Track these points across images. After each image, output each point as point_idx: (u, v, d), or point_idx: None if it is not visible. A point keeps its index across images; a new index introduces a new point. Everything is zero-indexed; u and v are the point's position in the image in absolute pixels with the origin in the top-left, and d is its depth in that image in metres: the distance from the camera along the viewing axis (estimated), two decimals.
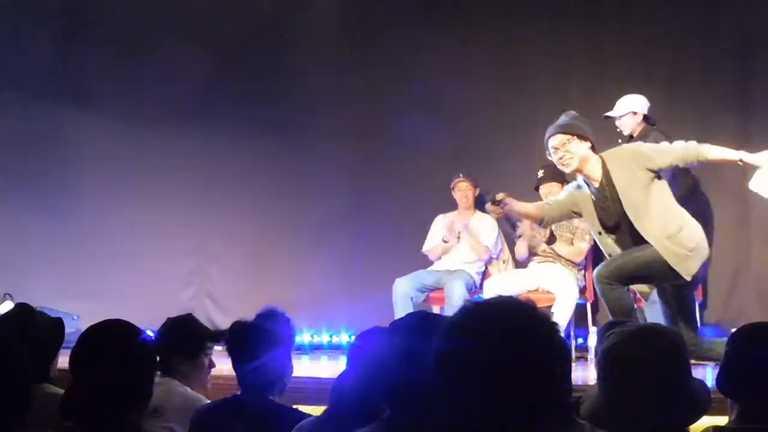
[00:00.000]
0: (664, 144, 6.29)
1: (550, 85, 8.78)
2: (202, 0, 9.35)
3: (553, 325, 2.01)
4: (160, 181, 9.19)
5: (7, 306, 7.25)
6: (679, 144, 6.13)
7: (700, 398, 2.74)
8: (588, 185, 6.31)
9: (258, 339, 3.69)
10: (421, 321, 2.62)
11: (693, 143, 6.07)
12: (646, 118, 7.84)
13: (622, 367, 2.64)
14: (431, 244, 8.60)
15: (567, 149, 6.20)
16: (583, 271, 8.27)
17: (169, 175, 9.19)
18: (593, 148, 6.24)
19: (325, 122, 9.11)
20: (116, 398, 2.75)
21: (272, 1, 9.29)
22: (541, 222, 6.62)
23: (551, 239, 8.22)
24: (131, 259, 9.08)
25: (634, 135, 7.79)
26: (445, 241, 8.44)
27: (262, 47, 9.25)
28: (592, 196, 6.28)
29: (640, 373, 2.62)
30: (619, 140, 7.89)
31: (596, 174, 6.23)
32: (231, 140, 9.13)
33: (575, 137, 6.22)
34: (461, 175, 8.49)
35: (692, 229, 6.18)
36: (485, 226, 8.52)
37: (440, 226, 8.64)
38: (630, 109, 7.79)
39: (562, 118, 6.34)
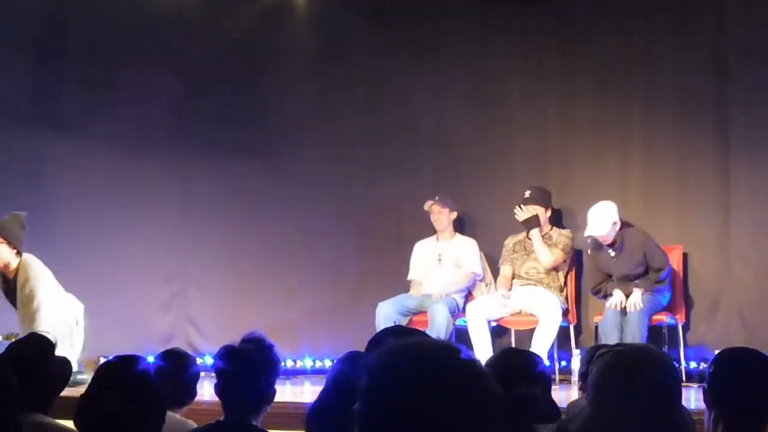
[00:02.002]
0: None
1: (526, 105, 8.78)
2: (176, 22, 9.30)
3: (480, 372, 1.86)
4: (137, 205, 9.12)
5: None
6: None
7: (690, 421, 2.75)
8: None
9: (243, 364, 3.69)
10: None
11: None
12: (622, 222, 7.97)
13: (618, 386, 2.66)
14: (416, 272, 8.58)
15: None
16: (565, 293, 8.26)
17: (146, 198, 9.14)
18: None
19: (304, 144, 9.09)
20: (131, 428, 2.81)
21: (247, 23, 9.25)
22: None
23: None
24: (109, 284, 8.98)
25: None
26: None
27: (237, 69, 9.23)
28: None
29: (637, 392, 2.64)
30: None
31: None
32: (208, 163, 9.11)
33: None
34: (435, 199, 8.47)
35: None
36: (466, 250, 8.50)
37: (420, 252, 8.61)
38: (612, 221, 7.86)
39: None
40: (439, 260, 8.47)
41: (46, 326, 7.14)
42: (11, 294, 7.56)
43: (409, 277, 8.57)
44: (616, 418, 2.63)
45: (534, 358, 3.63)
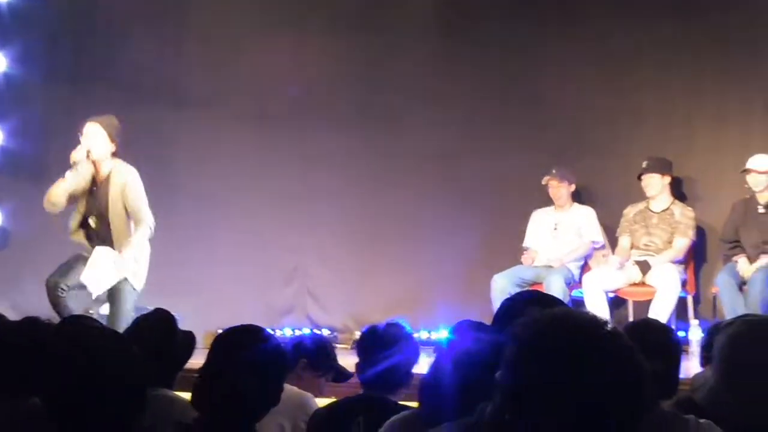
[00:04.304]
0: None
1: (651, 76, 8.71)
2: None
3: (625, 345, 1.88)
4: (259, 178, 9.22)
5: None
6: None
7: None
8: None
9: (383, 346, 3.84)
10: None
11: None
12: None
13: (749, 354, 2.68)
14: (531, 240, 8.58)
15: None
16: (684, 264, 8.16)
17: (268, 171, 9.23)
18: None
19: (425, 117, 9.04)
20: (249, 402, 2.95)
21: None
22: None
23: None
24: (232, 256, 9.13)
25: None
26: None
27: (360, 39, 9.19)
28: None
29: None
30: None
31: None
32: (329, 136, 9.13)
33: None
34: (552, 173, 8.43)
35: None
36: (584, 219, 8.46)
37: (537, 221, 8.60)
38: None
39: None
40: (555, 229, 8.46)
41: (149, 220, 7.15)
42: (94, 199, 7.12)
43: (524, 245, 8.57)
44: (747, 385, 2.64)
45: (667, 331, 3.58)
